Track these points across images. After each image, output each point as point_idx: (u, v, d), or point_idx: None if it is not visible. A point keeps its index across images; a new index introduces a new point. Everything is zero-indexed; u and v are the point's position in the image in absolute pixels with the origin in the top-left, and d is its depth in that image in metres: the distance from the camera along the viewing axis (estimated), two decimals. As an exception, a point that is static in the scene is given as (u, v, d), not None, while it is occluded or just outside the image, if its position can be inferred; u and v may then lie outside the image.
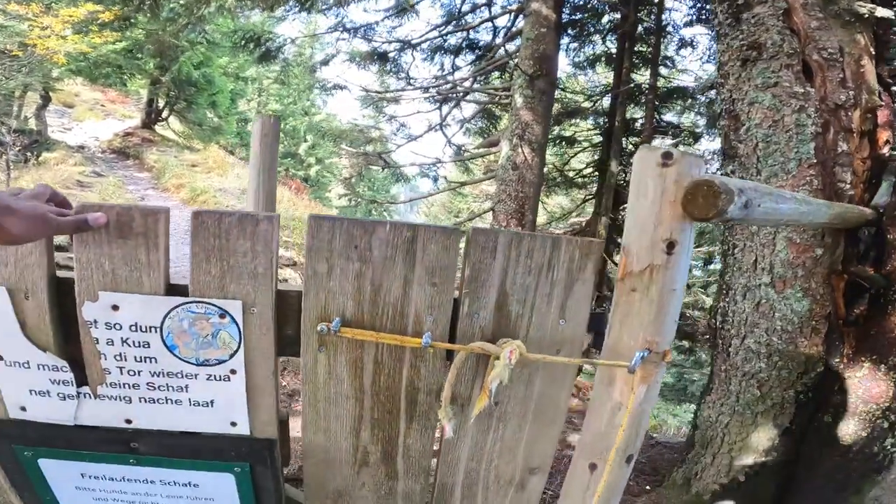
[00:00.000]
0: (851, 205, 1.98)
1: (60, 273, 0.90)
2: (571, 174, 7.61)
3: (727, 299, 2.35)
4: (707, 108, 6.48)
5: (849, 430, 1.95)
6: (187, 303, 0.86)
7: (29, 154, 10.00)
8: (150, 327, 0.87)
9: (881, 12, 2.08)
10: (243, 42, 6.94)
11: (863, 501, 1.91)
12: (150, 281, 0.85)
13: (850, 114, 2.10)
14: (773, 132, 2.12)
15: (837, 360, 2.06)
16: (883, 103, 2.18)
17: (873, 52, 2.16)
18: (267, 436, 0.97)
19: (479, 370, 0.91)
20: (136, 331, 0.88)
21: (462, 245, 0.89)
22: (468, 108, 7.12)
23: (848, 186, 2.06)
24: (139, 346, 0.89)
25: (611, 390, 0.90)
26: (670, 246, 0.78)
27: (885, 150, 2.17)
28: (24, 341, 0.89)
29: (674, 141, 6.81)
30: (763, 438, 2.21)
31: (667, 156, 0.77)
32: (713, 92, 6.40)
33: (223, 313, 0.87)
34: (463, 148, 7.66)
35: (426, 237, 0.85)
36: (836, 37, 2.10)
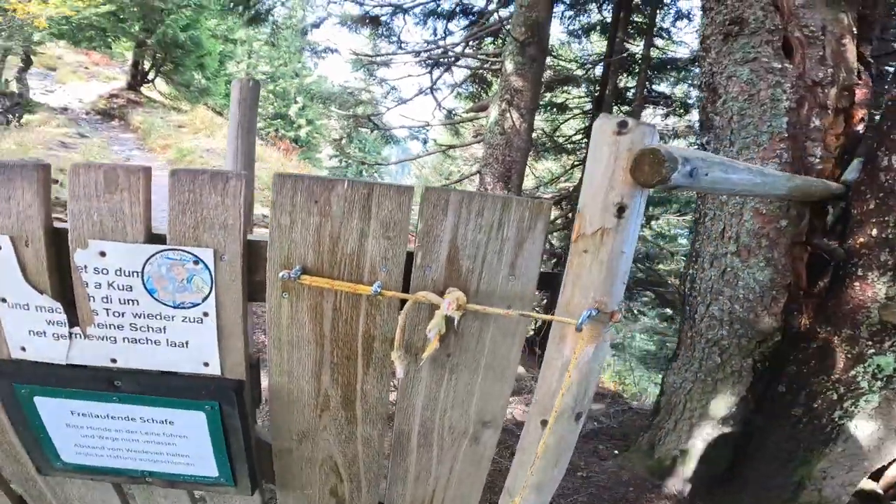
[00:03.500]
0: (815, 178, 2.01)
1: (57, 224, 0.98)
2: (561, 140, 7.66)
3: (696, 266, 2.39)
4: (699, 80, 6.51)
5: (800, 400, 2.00)
6: (165, 250, 0.94)
7: (10, 116, 9.84)
8: (133, 272, 0.96)
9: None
10: (231, 4, 6.79)
11: (811, 473, 1.94)
12: (133, 230, 0.93)
13: (826, 91, 2.10)
14: (748, 106, 2.14)
15: (794, 330, 2.12)
16: (861, 82, 2.18)
17: (856, 32, 2.14)
18: (237, 376, 1.06)
19: (430, 320, 1.00)
20: (121, 275, 0.96)
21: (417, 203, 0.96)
22: (459, 73, 7.10)
23: (818, 161, 2.09)
24: (123, 290, 0.97)
25: (561, 347, 0.95)
26: (621, 210, 0.83)
27: (860, 127, 2.18)
28: (25, 285, 0.97)
29: (665, 111, 6.83)
30: (721, 406, 2.27)
31: (622, 124, 0.81)
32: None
33: (197, 260, 0.95)
34: (453, 112, 7.65)
35: (381, 194, 0.92)
36: (820, 15, 2.08)
